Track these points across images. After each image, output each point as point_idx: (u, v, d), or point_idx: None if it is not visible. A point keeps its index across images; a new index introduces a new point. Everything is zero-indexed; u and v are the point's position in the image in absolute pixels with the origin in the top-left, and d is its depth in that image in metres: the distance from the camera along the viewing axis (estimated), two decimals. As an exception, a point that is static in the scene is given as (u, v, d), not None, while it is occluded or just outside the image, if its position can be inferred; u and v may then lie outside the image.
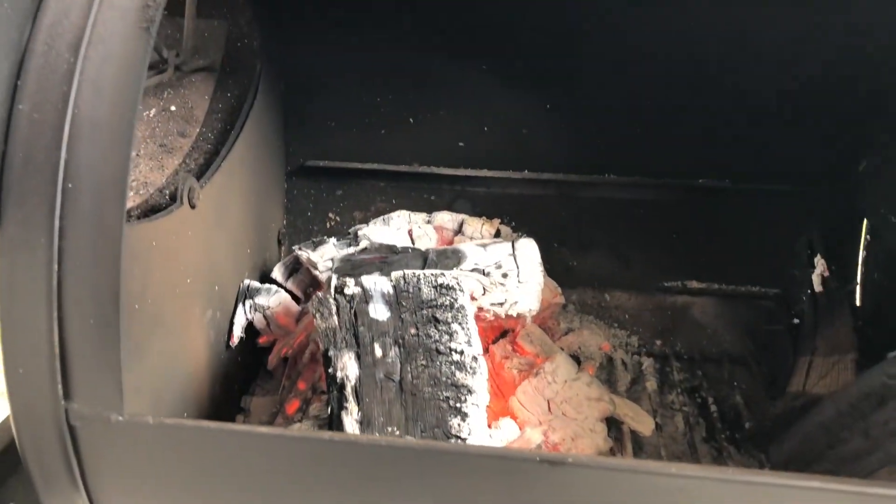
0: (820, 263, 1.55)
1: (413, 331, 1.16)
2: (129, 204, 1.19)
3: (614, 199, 1.75)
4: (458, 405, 1.11)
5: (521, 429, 1.30)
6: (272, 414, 1.44)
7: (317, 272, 1.52)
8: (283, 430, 0.87)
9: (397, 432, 1.10)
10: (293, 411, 1.42)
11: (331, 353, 1.16)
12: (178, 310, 1.23)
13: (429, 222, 1.68)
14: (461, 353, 1.14)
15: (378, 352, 1.15)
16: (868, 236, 1.58)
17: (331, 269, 1.43)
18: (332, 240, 1.58)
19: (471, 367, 1.14)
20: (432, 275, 1.20)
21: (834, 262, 1.58)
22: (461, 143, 1.76)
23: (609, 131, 1.70)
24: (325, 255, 1.53)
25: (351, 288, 1.19)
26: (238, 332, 1.47)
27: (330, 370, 1.16)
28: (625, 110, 1.67)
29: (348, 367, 1.14)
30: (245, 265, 1.56)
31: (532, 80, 1.67)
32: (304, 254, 1.55)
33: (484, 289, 1.33)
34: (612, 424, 1.40)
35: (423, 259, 1.37)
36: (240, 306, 1.49)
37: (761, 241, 1.71)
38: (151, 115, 1.46)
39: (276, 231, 1.78)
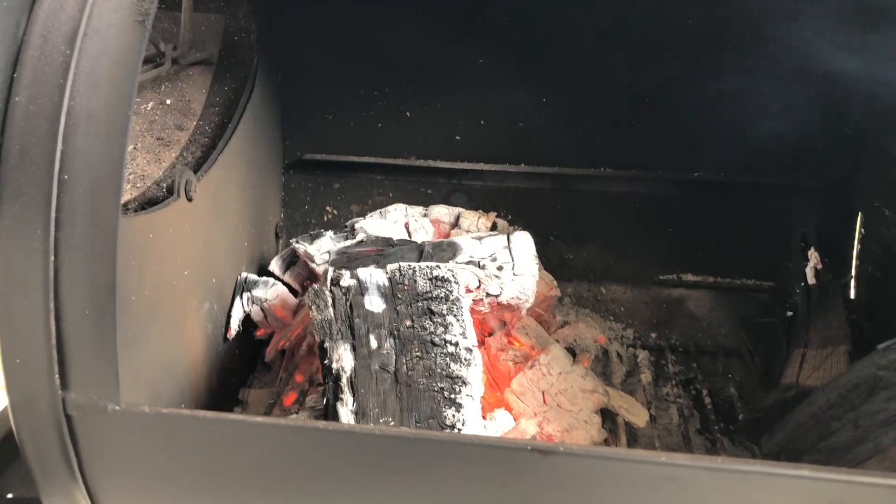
0: (813, 256, 1.56)
1: (408, 323, 1.17)
2: (127, 197, 1.20)
3: (610, 192, 1.76)
4: (452, 396, 1.12)
5: (516, 420, 1.31)
6: (269, 406, 1.45)
7: (314, 265, 1.53)
8: (278, 420, 0.88)
9: (392, 423, 1.10)
10: (290, 403, 1.43)
11: (326, 344, 1.17)
12: (175, 302, 1.23)
13: (425, 215, 1.68)
14: (456, 344, 1.15)
15: (373, 343, 1.16)
16: (862, 230, 1.59)
17: (328, 261, 1.44)
18: (330, 233, 1.59)
19: (465, 359, 1.15)
20: (428, 267, 1.21)
21: (828, 255, 1.58)
22: (458, 137, 1.77)
23: (605, 125, 1.71)
24: (322, 248, 1.54)
25: (347, 280, 1.20)
26: (235, 324, 1.48)
27: (326, 361, 1.16)
28: (621, 104, 1.68)
29: (344, 358, 1.15)
30: (242, 258, 1.57)
31: (528, 74, 1.68)
32: (302, 247, 1.56)
33: (479, 281, 1.34)
34: (607, 416, 1.41)
35: (419, 252, 1.38)
36: (237, 299, 1.50)
37: (756, 234, 1.72)
38: (149, 109, 1.46)
39: (273, 224, 1.79)
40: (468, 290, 1.32)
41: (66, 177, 0.82)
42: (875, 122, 1.54)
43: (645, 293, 1.82)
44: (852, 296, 1.60)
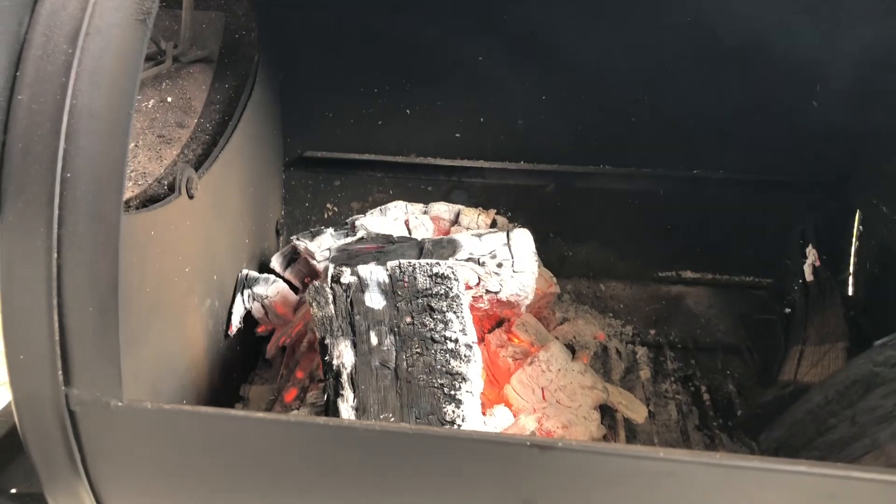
0: (812, 253, 1.56)
1: (408, 319, 1.17)
2: (128, 194, 1.20)
3: (609, 189, 1.77)
4: (452, 392, 1.13)
5: (515, 416, 1.32)
6: (270, 402, 1.45)
7: (314, 262, 1.54)
8: (279, 416, 0.89)
9: (392, 419, 1.11)
10: (291, 399, 1.44)
11: (327, 341, 1.17)
12: (176, 299, 1.24)
13: (425, 213, 1.69)
14: (456, 341, 1.16)
15: (374, 340, 1.16)
16: (860, 227, 1.60)
17: (328, 258, 1.45)
18: (330, 230, 1.59)
19: (465, 356, 1.15)
20: (428, 264, 1.21)
21: (826, 252, 1.59)
22: (458, 134, 1.77)
23: (605, 123, 1.72)
24: (322, 245, 1.54)
25: (347, 277, 1.21)
26: (236, 321, 1.49)
27: (326, 358, 1.17)
28: (621, 102, 1.68)
29: (344, 355, 1.15)
30: (243, 255, 1.58)
31: (528, 72, 1.68)
32: (302, 244, 1.56)
33: (479, 278, 1.34)
34: (606, 412, 1.42)
35: (419, 249, 1.39)
36: (238, 296, 1.51)
37: (754, 231, 1.73)
38: (150, 106, 1.47)
39: (274, 221, 1.80)
40: (468, 287, 1.33)
41: (68, 175, 0.82)
42: (873, 119, 1.54)
43: (644, 290, 1.82)
44: (850, 292, 1.61)
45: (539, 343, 1.46)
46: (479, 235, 1.42)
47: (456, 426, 1.11)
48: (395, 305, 1.19)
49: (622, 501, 0.85)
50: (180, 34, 1.48)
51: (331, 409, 1.15)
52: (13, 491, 1.04)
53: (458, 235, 1.44)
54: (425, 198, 1.79)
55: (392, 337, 1.17)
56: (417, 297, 1.19)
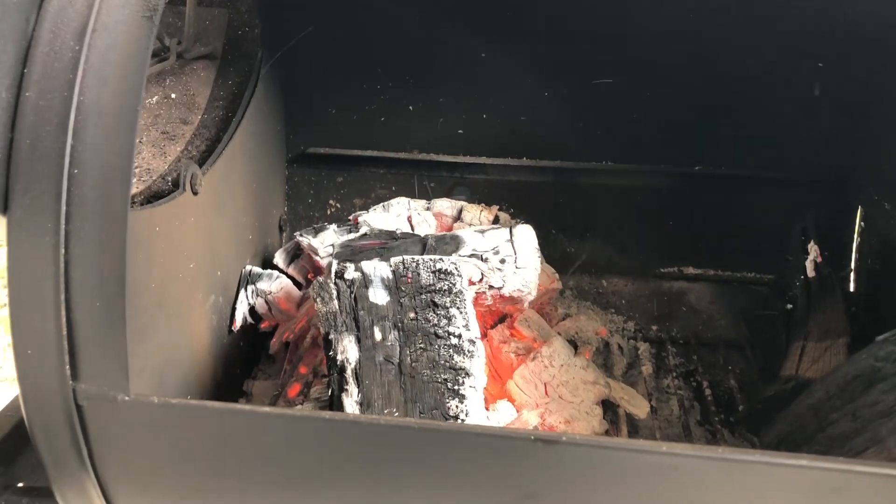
0: (813, 249, 1.57)
1: (412, 315, 1.18)
2: (133, 190, 1.21)
3: (612, 185, 1.77)
4: (455, 387, 1.13)
5: (518, 411, 1.33)
6: (274, 397, 1.46)
7: (317, 258, 1.54)
8: (285, 410, 0.90)
9: (396, 413, 1.12)
10: (294, 395, 1.44)
11: (331, 336, 1.18)
12: (181, 294, 1.25)
13: (428, 209, 1.70)
14: (459, 336, 1.17)
15: (378, 335, 1.17)
16: (862, 223, 1.60)
17: (331, 254, 1.46)
18: (333, 226, 1.60)
19: (468, 351, 1.16)
20: (431, 260, 1.22)
21: (828, 248, 1.59)
22: (460, 131, 1.77)
23: (607, 119, 1.72)
24: (325, 241, 1.55)
25: (351, 273, 1.21)
26: (240, 316, 1.49)
27: (330, 353, 1.18)
28: (623, 98, 1.68)
29: (348, 350, 1.16)
30: (247, 251, 1.58)
31: (531, 68, 1.68)
32: (305, 240, 1.57)
33: (482, 274, 1.35)
34: (608, 408, 1.42)
35: (423, 245, 1.40)
36: (242, 291, 1.52)
37: (756, 227, 1.73)
38: (154, 103, 1.47)
39: (277, 217, 1.80)
40: (471, 283, 1.34)
41: (75, 171, 0.83)
42: (874, 115, 1.54)
43: (646, 286, 1.83)
44: (852, 288, 1.61)
45: (541, 339, 1.47)
46: (482, 232, 1.43)
47: (459, 421, 1.12)
48: (398, 301, 1.19)
49: (626, 495, 0.85)
50: (184, 31, 1.48)
51: (335, 403, 1.16)
52: (20, 485, 1.04)
53: (461, 232, 1.44)
54: (428, 194, 1.80)
55: (396, 332, 1.17)
56: (421, 293, 1.20)
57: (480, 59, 1.68)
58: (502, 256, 1.38)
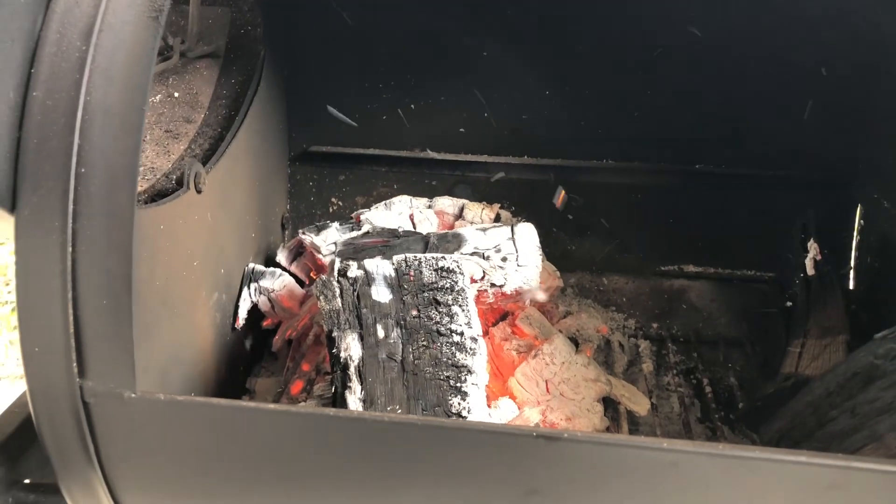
0: (813, 248, 1.58)
1: (414, 312, 1.19)
2: (137, 189, 1.21)
3: (612, 184, 1.78)
4: (458, 385, 1.14)
5: (519, 408, 1.34)
6: (277, 394, 1.47)
7: (320, 256, 1.55)
8: (289, 407, 0.91)
9: (399, 410, 1.13)
10: (297, 392, 1.45)
11: (334, 334, 1.19)
12: (184, 292, 1.25)
13: (430, 207, 1.70)
14: (461, 334, 1.17)
15: (380, 333, 1.18)
16: (862, 221, 1.61)
17: (334, 252, 1.46)
18: (335, 224, 1.60)
19: (470, 348, 1.17)
20: (433, 258, 1.23)
21: (828, 246, 1.60)
22: (462, 129, 1.78)
23: (608, 117, 1.73)
24: (328, 239, 1.56)
25: (354, 271, 1.22)
26: (243, 314, 1.50)
27: (334, 351, 1.19)
28: (623, 96, 1.69)
29: (351, 347, 1.17)
30: (250, 249, 1.59)
31: (532, 67, 1.69)
32: (308, 238, 1.57)
33: (484, 272, 1.36)
34: (609, 405, 1.43)
35: (425, 243, 1.40)
36: (245, 289, 1.52)
37: (756, 225, 1.74)
38: (157, 101, 1.48)
39: (279, 215, 1.81)
40: (473, 281, 1.35)
41: (83, 170, 0.84)
42: (874, 113, 1.55)
43: (646, 284, 1.84)
44: (851, 286, 1.62)
45: (543, 336, 1.48)
46: (484, 230, 1.44)
47: (462, 418, 1.13)
48: (401, 299, 1.20)
49: (627, 491, 0.86)
50: (187, 30, 1.49)
51: (339, 400, 1.17)
52: (27, 481, 1.05)
53: (463, 230, 1.45)
54: (429, 192, 1.80)
55: (398, 330, 1.18)
56: (423, 291, 1.20)
57: (482, 58, 1.69)
58: (504, 254, 1.39)
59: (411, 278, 1.21)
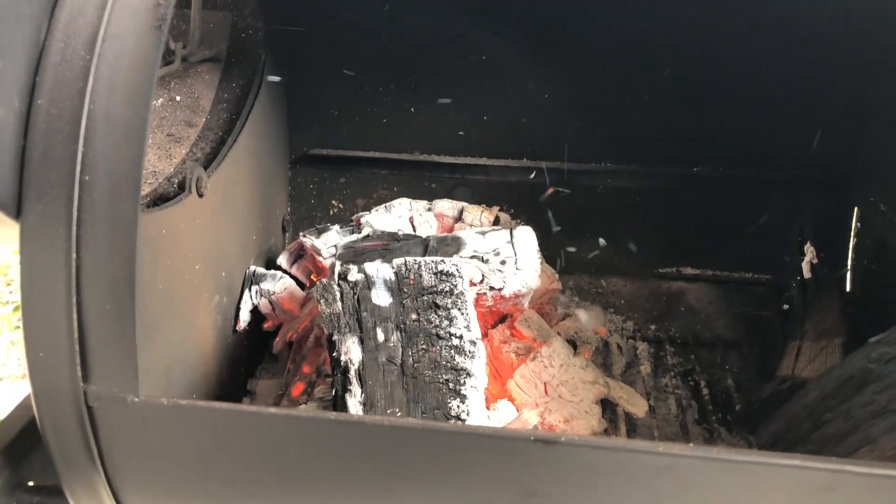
0: (809, 251, 1.59)
1: (414, 316, 1.20)
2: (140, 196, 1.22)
3: (611, 186, 1.79)
4: (457, 388, 1.15)
5: (518, 411, 1.35)
6: (278, 396, 1.48)
7: (321, 258, 1.56)
8: (291, 411, 0.92)
9: (399, 413, 1.14)
10: (298, 394, 1.46)
11: (335, 337, 1.20)
12: (186, 295, 1.27)
13: (429, 210, 1.71)
14: (460, 337, 1.19)
15: (380, 336, 1.19)
16: (858, 224, 1.62)
17: (334, 255, 1.48)
18: (336, 227, 1.62)
19: (470, 352, 1.18)
20: (433, 262, 1.24)
21: (824, 249, 1.61)
22: (461, 132, 1.79)
23: (606, 120, 1.74)
24: (328, 242, 1.57)
25: (354, 274, 1.23)
26: (244, 316, 1.51)
27: (334, 354, 1.20)
28: (622, 99, 1.70)
29: (352, 351, 1.18)
30: (251, 251, 1.60)
31: (531, 70, 1.70)
32: (309, 241, 1.59)
33: (483, 275, 1.37)
34: (607, 406, 1.44)
35: (424, 246, 1.41)
36: (246, 291, 1.53)
37: (754, 228, 1.74)
38: (159, 105, 1.49)
39: (280, 218, 1.82)
40: (472, 284, 1.36)
41: (86, 177, 0.85)
42: (871, 116, 1.56)
43: (645, 286, 1.85)
44: (848, 288, 1.63)
45: (541, 339, 1.49)
46: (483, 233, 1.45)
47: (461, 421, 1.14)
48: (400, 302, 1.21)
49: (623, 494, 0.87)
50: (189, 34, 1.49)
51: (339, 403, 1.18)
52: (31, 483, 1.06)
53: (463, 233, 1.46)
54: (429, 195, 1.81)
55: (398, 333, 1.19)
56: (423, 295, 1.22)
57: (481, 61, 1.70)
58: (503, 258, 1.40)
59: (411, 282, 1.22)
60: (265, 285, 1.55)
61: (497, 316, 1.55)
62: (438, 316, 1.20)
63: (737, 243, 1.78)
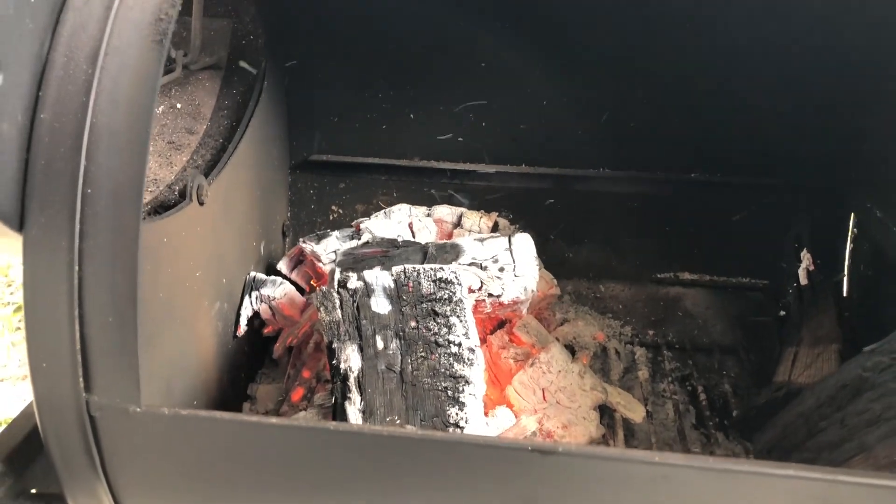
0: (806, 257, 1.60)
1: (413, 324, 1.21)
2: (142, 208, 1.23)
3: (609, 192, 1.80)
4: (455, 395, 1.16)
5: (516, 417, 1.36)
6: (278, 402, 1.49)
7: (320, 264, 1.57)
8: (291, 421, 0.93)
9: (398, 421, 1.15)
10: (298, 399, 1.47)
11: (335, 345, 1.21)
12: (187, 302, 1.27)
13: (429, 215, 1.72)
14: (459, 345, 1.20)
15: (380, 344, 1.20)
16: (855, 230, 1.63)
17: (334, 261, 1.48)
18: (336, 233, 1.62)
19: (468, 359, 1.19)
20: (432, 269, 1.25)
21: (821, 255, 1.62)
22: (460, 139, 1.80)
23: (604, 126, 1.75)
24: (328, 248, 1.58)
25: (354, 282, 1.24)
26: (244, 322, 1.52)
27: (334, 362, 1.21)
28: (620, 105, 1.71)
29: (351, 358, 1.19)
30: (251, 257, 1.61)
31: (530, 77, 1.71)
32: (309, 246, 1.60)
33: (481, 282, 1.38)
34: (605, 412, 1.45)
35: (423, 253, 1.42)
36: (246, 297, 1.54)
37: (751, 234, 1.76)
38: (159, 113, 1.50)
39: (280, 223, 1.83)
40: (470, 291, 1.37)
41: (89, 190, 0.86)
42: (868, 123, 1.57)
43: (643, 291, 1.86)
44: (844, 294, 1.64)
45: (540, 344, 1.50)
46: (482, 240, 1.46)
47: (459, 428, 1.15)
48: (400, 310, 1.22)
49: (620, 503, 0.88)
50: (190, 42, 1.50)
51: (338, 411, 1.19)
52: (34, 491, 1.07)
53: (461, 240, 1.47)
54: (428, 201, 1.82)
55: (397, 341, 1.20)
56: (422, 302, 1.22)
57: (480, 67, 1.71)
58: (501, 265, 1.41)
59: (410, 289, 1.23)
60: (265, 291, 1.56)
61: (496, 321, 1.56)
62: (437, 323, 1.21)
63: (734, 248, 1.79)
